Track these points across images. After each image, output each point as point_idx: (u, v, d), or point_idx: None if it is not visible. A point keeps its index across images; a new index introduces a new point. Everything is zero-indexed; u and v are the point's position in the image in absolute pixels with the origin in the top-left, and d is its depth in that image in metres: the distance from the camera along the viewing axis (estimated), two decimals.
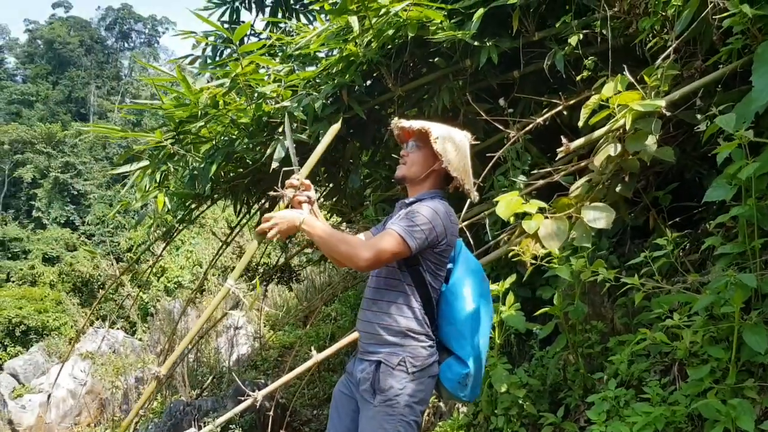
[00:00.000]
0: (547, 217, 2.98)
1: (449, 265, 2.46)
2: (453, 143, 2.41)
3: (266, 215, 2.41)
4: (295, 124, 4.33)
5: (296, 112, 4.23)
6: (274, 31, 6.87)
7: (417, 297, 2.34)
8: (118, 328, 14.71)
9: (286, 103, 4.30)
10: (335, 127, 2.75)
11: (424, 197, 2.42)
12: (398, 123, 2.53)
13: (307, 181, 2.53)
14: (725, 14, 2.67)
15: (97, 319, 15.40)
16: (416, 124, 2.46)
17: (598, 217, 2.89)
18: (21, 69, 65.00)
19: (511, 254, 3.19)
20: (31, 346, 15.88)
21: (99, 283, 20.69)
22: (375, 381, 2.31)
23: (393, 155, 5.13)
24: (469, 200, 2.60)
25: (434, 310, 2.39)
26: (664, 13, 3.05)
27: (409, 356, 2.30)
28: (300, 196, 2.49)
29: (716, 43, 2.85)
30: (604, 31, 3.61)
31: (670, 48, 2.94)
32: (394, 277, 2.38)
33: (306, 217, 2.35)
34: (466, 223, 3.74)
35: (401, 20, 3.92)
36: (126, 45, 75.27)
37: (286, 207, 2.46)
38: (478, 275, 2.48)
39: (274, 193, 2.52)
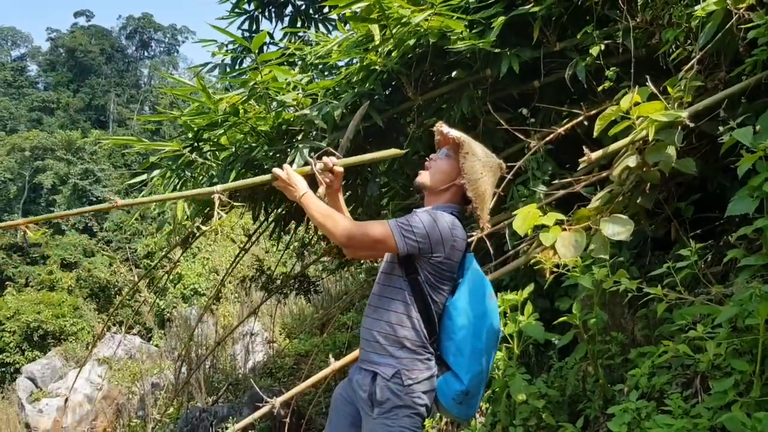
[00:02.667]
0: (565, 229, 2.97)
1: (459, 280, 2.42)
2: (482, 166, 2.38)
3: (286, 167, 2.47)
4: (314, 132, 4.35)
5: (316, 120, 4.25)
6: (293, 40, 6.93)
7: (416, 308, 2.31)
8: (134, 334, 14.81)
9: (305, 111, 4.33)
10: (395, 151, 2.73)
11: (437, 209, 2.39)
12: (440, 127, 2.52)
13: (340, 169, 2.54)
14: (750, 25, 2.66)
15: (114, 324, 15.49)
16: (455, 133, 2.44)
17: (617, 229, 2.87)
18: (42, 77, 65.88)
19: (532, 262, 3.17)
20: (49, 350, 16.03)
21: (116, 289, 20.85)
22: (372, 394, 2.30)
23: (412, 165, 5.14)
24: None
25: (435, 323, 2.34)
26: (688, 25, 3.03)
27: (405, 369, 2.27)
28: (325, 177, 2.51)
29: (741, 54, 2.83)
30: (626, 42, 3.60)
31: (694, 59, 2.92)
32: (395, 285, 2.36)
33: (308, 193, 2.39)
34: (485, 232, 3.73)
35: (422, 30, 3.93)
36: (146, 54, 76.13)
37: (306, 175, 2.49)
38: (483, 292, 2.41)
39: (311, 159, 2.55)
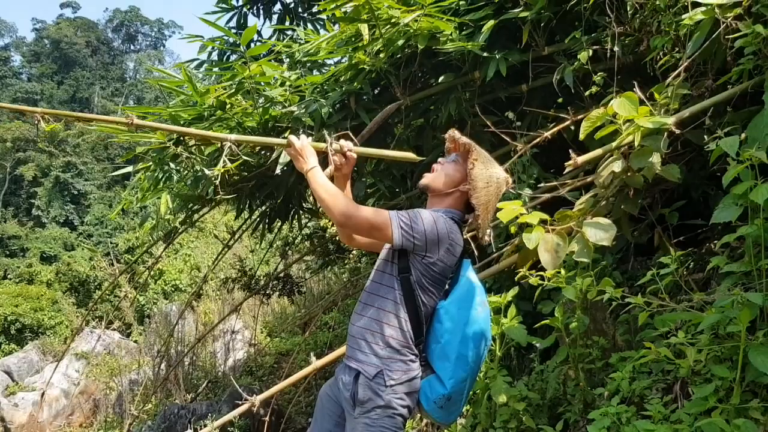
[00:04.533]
0: (548, 231, 2.97)
1: (453, 285, 2.42)
2: (488, 176, 2.38)
3: (303, 137, 2.52)
4: (301, 129, 4.33)
5: (303, 117, 4.23)
6: (281, 38, 6.90)
7: (405, 308, 2.31)
8: (113, 330, 14.69)
9: (293, 109, 4.30)
10: (411, 155, 2.73)
11: (438, 212, 2.38)
12: (452, 134, 2.53)
13: (353, 155, 2.56)
14: (737, 35, 2.68)
15: (93, 319, 15.35)
16: (465, 139, 2.45)
17: (599, 233, 2.87)
18: (27, 68, 65.09)
19: (519, 258, 3.17)
20: (26, 344, 15.87)
21: (96, 283, 20.67)
22: (354, 393, 2.31)
23: (399, 166, 5.13)
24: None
25: (422, 325, 2.34)
26: (676, 33, 3.05)
27: (387, 369, 2.27)
28: (335, 157, 2.53)
29: (728, 63, 2.85)
30: (614, 48, 3.61)
31: (681, 67, 2.94)
32: (387, 284, 2.36)
33: (316, 168, 2.43)
34: (470, 234, 3.73)
35: (411, 30, 3.93)
36: (132, 47, 75.47)
37: (320, 152, 2.53)
38: (474, 298, 2.39)
39: (329, 137, 2.57)
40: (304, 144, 2.49)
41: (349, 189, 2.64)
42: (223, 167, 3.09)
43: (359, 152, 2.61)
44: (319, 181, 2.39)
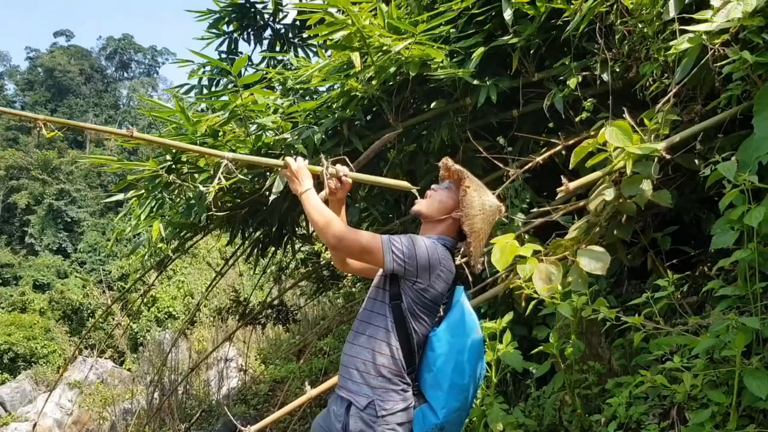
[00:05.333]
0: (541, 260, 2.98)
1: (445, 312, 2.40)
2: (481, 203, 2.38)
3: (299, 159, 2.54)
4: (294, 157, 4.33)
5: (296, 144, 4.24)
6: (272, 64, 6.94)
7: (396, 336, 2.29)
8: (106, 358, 14.56)
9: (285, 136, 4.32)
10: (406, 184, 2.73)
11: (430, 239, 2.37)
12: (446, 162, 2.54)
13: (349, 180, 2.57)
14: (725, 61, 2.71)
15: (86, 347, 15.23)
16: (458, 167, 2.46)
17: (594, 262, 2.89)
18: (20, 96, 65.28)
19: (512, 287, 3.17)
20: (19, 373, 15.71)
21: (89, 311, 20.54)
22: (346, 424, 2.28)
23: (392, 191, 5.14)
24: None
25: (414, 354, 2.32)
26: (664, 59, 3.08)
27: (379, 399, 2.25)
28: (330, 181, 2.54)
29: (716, 89, 2.88)
30: (603, 74, 3.65)
31: (671, 92, 2.97)
32: (379, 311, 2.35)
33: (310, 190, 2.45)
34: (464, 259, 3.72)
35: (403, 58, 3.96)
36: (125, 75, 75.87)
37: (317, 175, 2.55)
38: (469, 326, 2.38)
39: (325, 162, 2.58)
40: (300, 166, 2.51)
41: (344, 214, 2.64)
42: (218, 185, 3.13)
43: (355, 177, 2.62)
44: (313, 203, 2.41)
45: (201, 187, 4.20)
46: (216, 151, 2.90)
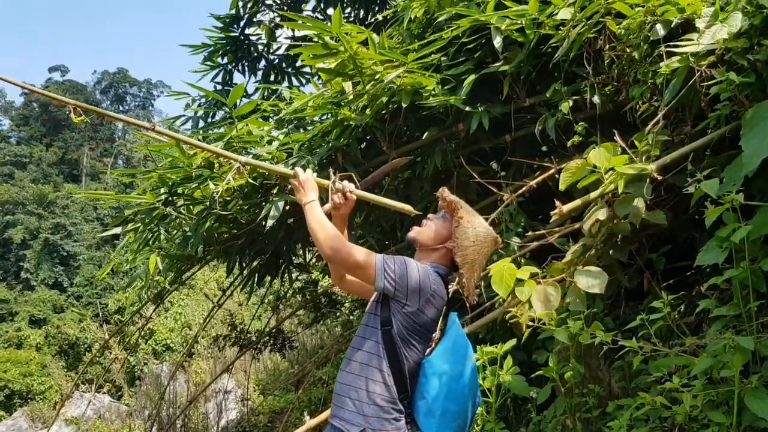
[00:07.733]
0: (539, 282, 2.99)
1: (438, 339, 2.41)
2: (475, 235, 2.39)
3: (309, 172, 2.62)
4: (289, 186, 4.36)
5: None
6: (266, 95, 7.01)
7: (387, 362, 2.28)
8: (104, 393, 14.41)
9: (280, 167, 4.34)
10: (408, 207, 2.73)
11: (425, 265, 2.39)
12: (442, 192, 2.55)
13: (353, 197, 2.61)
14: (712, 82, 2.75)
15: (83, 383, 15.08)
16: (453, 197, 2.48)
17: (591, 281, 2.90)
18: (15, 131, 65.47)
19: (508, 316, 3.17)
20: (15, 410, 15.52)
21: (86, 345, 20.38)
22: None
23: (387, 218, 5.17)
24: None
25: (407, 381, 2.31)
26: (653, 81, 3.12)
27: (370, 428, 2.23)
28: (335, 195, 2.59)
29: (704, 109, 2.92)
30: (593, 98, 3.69)
31: (660, 114, 3.00)
32: (371, 338, 2.34)
33: (314, 201, 2.51)
34: (460, 285, 3.72)
35: (395, 86, 4.00)
36: (121, 108, 76.16)
37: (323, 189, 2.62)
38: (463, 353, 2.38)
39: (333, 176, 2.64)
40: (308, 177, 2.57)
41: (347, 232, 2.66)
42: (227, 185, 3.25)
43: (359, 195, 2.65)
44: (315, 213, 2.46)
45: (212, 185, 4.24)
46: (231, 153, 3.02)
